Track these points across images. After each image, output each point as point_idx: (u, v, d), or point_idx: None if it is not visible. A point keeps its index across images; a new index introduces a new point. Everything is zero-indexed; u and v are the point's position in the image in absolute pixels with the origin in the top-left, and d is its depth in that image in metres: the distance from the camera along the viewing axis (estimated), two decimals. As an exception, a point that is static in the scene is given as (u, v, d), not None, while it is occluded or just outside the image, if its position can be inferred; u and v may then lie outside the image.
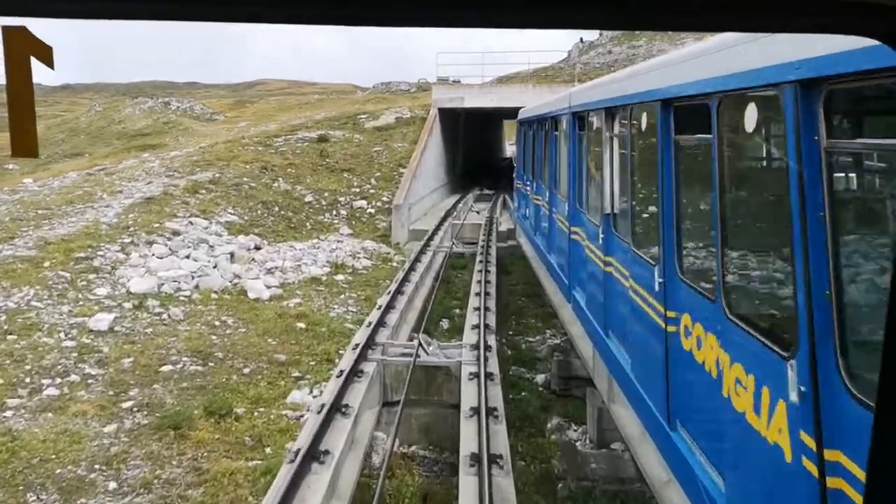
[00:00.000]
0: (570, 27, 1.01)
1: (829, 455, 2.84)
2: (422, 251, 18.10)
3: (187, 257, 16.26)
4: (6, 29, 1.01)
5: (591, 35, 72.55)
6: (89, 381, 10.36)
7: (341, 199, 24.51)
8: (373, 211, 24.08)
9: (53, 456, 8.15)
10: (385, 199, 24.64)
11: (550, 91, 33.55)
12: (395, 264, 19.37)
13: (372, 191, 25.36)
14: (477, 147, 41.77)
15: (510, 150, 78.81)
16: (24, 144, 1.07)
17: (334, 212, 23.73)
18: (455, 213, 25.38)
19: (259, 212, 21.81)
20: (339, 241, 20.93)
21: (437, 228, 22.04)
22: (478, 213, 26.03)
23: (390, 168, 27.27)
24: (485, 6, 0.96)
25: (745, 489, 3.82)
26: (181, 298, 14.41)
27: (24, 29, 1.02)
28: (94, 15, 0.96)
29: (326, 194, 24.57)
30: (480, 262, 16.50)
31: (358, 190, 25.35)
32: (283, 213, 22.52)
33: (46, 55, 1.05)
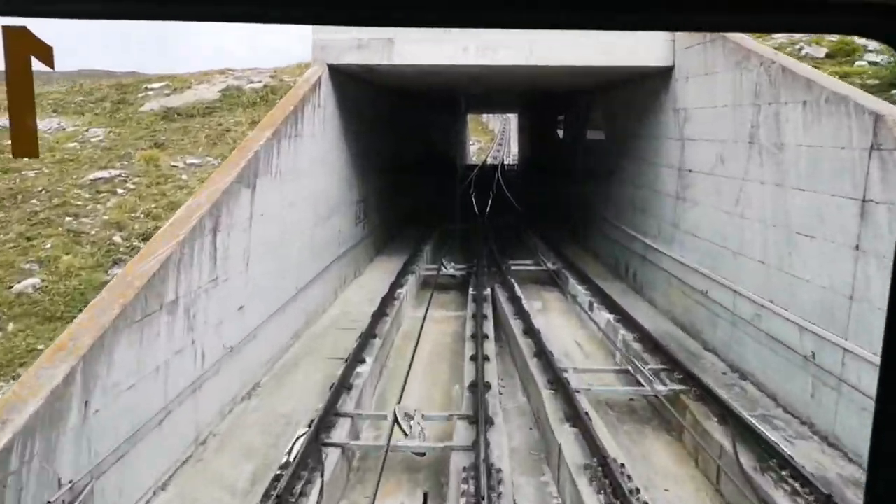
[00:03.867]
0: (576, 28, 0.97)
1: None
2: None
3: None
4: (7, 28, 0.99)
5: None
6: None
7: None
8: None
9: None
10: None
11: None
12: None
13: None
14: (423, 156, 22.62)
15: (472, 148, 52.20)
16: (25, 144, 1.05)
17: None
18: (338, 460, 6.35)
19: None
20: None
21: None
22: (423, 428, 7.02)
23: (128, 246, 8.01)
24: (484, 6, 0.94)
25: None
26: None
27: (24, 29, 1.00)
28: (96, 15, 0.95)
29: None
30: None
31: None
32: None
33: (46, 54, 1.03)
